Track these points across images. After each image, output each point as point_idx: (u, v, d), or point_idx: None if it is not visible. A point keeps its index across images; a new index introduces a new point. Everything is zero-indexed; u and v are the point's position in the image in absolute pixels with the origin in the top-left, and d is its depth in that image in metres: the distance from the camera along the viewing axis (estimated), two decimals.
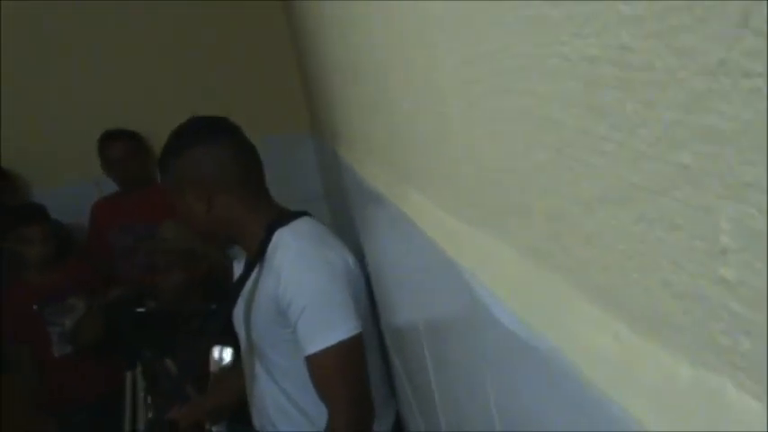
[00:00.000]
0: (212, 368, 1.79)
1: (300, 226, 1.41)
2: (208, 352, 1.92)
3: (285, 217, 1.42)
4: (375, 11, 0.75)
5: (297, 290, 1.31)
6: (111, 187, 2.97)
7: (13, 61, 3.03)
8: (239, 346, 1.60)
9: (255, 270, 1.41)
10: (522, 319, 0.45)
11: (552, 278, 0.41)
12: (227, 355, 1.76)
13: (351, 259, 1.40)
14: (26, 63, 3.06)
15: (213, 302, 2.26)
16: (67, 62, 3.10)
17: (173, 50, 3.16)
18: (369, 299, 1.45)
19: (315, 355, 1.30)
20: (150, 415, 1.98)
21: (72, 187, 3.05)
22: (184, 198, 1.40)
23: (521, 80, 0.38)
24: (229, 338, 1.65)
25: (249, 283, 1.43)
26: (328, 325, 1.30)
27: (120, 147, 2.93)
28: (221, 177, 1.39)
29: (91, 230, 2.95)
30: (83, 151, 2.95)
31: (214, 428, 1.71)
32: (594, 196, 0.33)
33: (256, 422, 1.53)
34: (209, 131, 1.42)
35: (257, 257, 1.39)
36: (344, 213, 2.04)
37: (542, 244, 0.41)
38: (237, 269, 1.55)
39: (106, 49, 3.12)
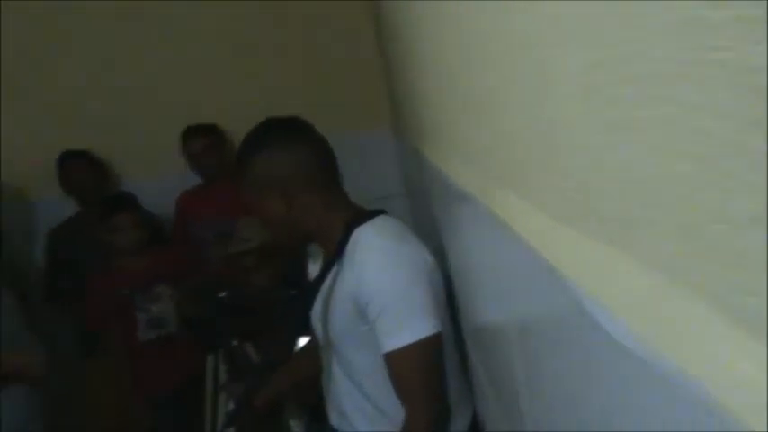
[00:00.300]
0: None
1: (380, 223, 1.41)
2: (288, 339, 1.95)
3: (363, 215, 1.42)
4: (478, 10, 0.73)
5: (377, 288, 1.31)
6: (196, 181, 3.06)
7: (107, 59, 3.16)
8: None
9: (333, 268, 1.42)
10: (642, 336, 0.43)
11: (683, 296, 0.39)
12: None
13: (430, 257, 1.39)
14: (120, 60, 3.19)
15: (293, 289, 2.30)
16: (158, 59, 3.21)
17: (256, 46, 3.22)
18: (447, 297, 1.44)
19: (393, 353, 1.30)
20: (231, 399, 2.02)
21: (163, 180, 3.15)
22: (263, 200, 1.41)
23: (659, 87, 0.36)
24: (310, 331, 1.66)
25: (327, 281, 1.43)
26: (408, 323, 1.30)
27: (200, 141, 3.02)
28: (300, 178, 1.39)
29: (176, 221, 3.05)
30: (173, 145, 3.05)
31: (292, 422, 1.73)
32: (746, 215, 0.31)
33: (334, 421, 1.54)
34: (285, 132, 1.43)
35: (336, 256, 1.40)
36: (424, 211, 2.03)
37: (674, 259, 0.39)
38: (313, 269, 1.56)
39: (194, 46, 3.21)
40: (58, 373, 2.28)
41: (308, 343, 1.77)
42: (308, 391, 1.74)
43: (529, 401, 0.87)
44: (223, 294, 2.45)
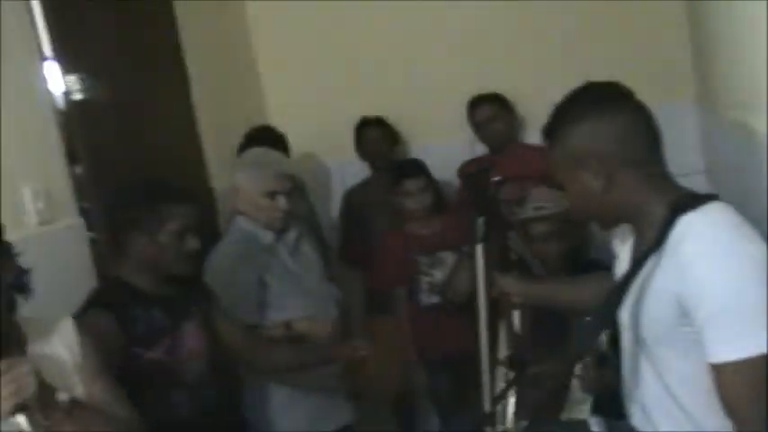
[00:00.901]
0: None
1: (712, 212, 1.22)
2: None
3: (690, 200, 1.25)
4: None
5: (708, 290, 1.14)
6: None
7: (401, 30, 3.27)
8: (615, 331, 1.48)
9: (650, 257, 1.27)
10: None
11: None
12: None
13: None
14: (413, 31, 3.29)
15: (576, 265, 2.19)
16: (449, 29, 3.26)
17: (559, 16, 3.13)
18: None
19: (724, 365, 1.14)
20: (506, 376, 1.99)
21: (445, 146, 3.21)
22: (577, 173, 1.29)
23: None
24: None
25: (642, 271, 1.29)
26: (744, 334, 1.13)
27: (485, 109, 3.05)
28: (625, 152, 1.26)
29: (460, 188, 3.08)
30: (460, 112, 3.09)
31: (591, 420, 1.65)
32: None
33: (636, 420, 1.42)
34: (610, 99, 1.29)
35: (655, 244, 1.25)
36: (743, 192, 1.79)
37: None
38: (621, 250, 1.43)
39: (493, 12, 3.20)
40: (347, 329, 2.44)
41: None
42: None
43: None
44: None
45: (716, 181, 2.62)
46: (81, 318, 1.67)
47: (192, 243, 1.79)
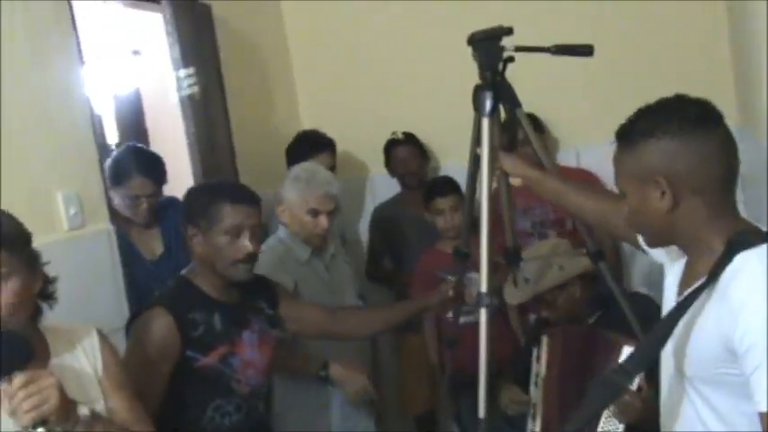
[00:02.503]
0: None
1: None
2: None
3: (752, 236, 1.17)
4: None
5: (759, 339, 1.08)
6: None
7: (429, 41, 3.24)
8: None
9: (701, 293, 1.20)
10: None
11: None
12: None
13: None
14: (442, 42, 3.24)
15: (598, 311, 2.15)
16: None
17: (599, 39, 3.05)
18: None
19: None
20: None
21: None
22: (645, 187, 1.22)
23: None
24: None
25: (692, 305, 1.22)
26: None
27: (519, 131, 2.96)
28: (700, 179, 1.18)
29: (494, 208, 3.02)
30: None
31: None
32: None
33: None
34: (699, 120, 1.20)
35: (710, 280, 1.18)
36: None
37: None
38: (669, 270, 1.36)
39: (533, 32, 3.14)
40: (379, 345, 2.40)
41: None
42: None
43: None
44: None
45: (754, 211, 2.55)
46: (143, 314, 1.69)
47: (246, 244, 1.73)
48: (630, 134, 1.24)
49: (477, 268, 2.37)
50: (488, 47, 1.77)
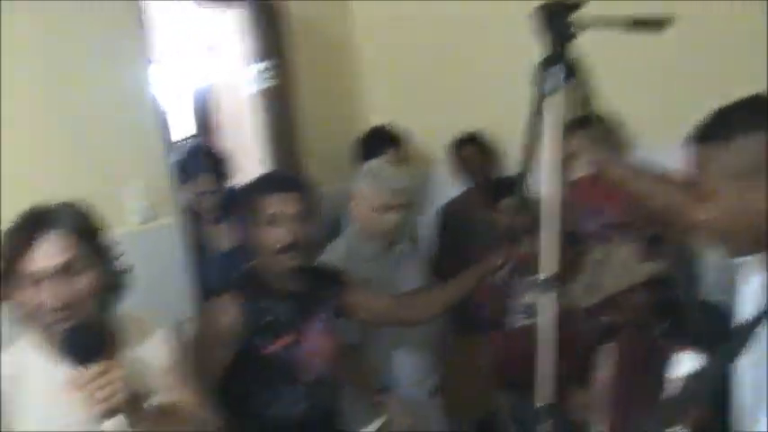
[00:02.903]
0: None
1: None
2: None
3: None
4: None
5: None
6: None
7: (499, 40, 3.17)
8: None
9: None
10: None
11: None
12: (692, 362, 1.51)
13: None
14: (511, 42, 3.19)
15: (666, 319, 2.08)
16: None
17: (653, 53, 2.95)
18: None
19: None
20: None
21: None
22: (743, 185, 1.16)
23: None
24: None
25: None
26: None
27: (581, 135, 2.89)
28: None
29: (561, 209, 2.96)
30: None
31: None
32: None
33: None
34: None
35: None
36: None
37: None
38: (742, 281, 1.30)
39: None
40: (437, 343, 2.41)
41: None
42: None
43: None
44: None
45: None
46: (211, 301, 1.74)
47: (282, 234, 1.71)
48: (719, 132, 1.18)
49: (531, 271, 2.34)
50: (560, 17, 1.65)
